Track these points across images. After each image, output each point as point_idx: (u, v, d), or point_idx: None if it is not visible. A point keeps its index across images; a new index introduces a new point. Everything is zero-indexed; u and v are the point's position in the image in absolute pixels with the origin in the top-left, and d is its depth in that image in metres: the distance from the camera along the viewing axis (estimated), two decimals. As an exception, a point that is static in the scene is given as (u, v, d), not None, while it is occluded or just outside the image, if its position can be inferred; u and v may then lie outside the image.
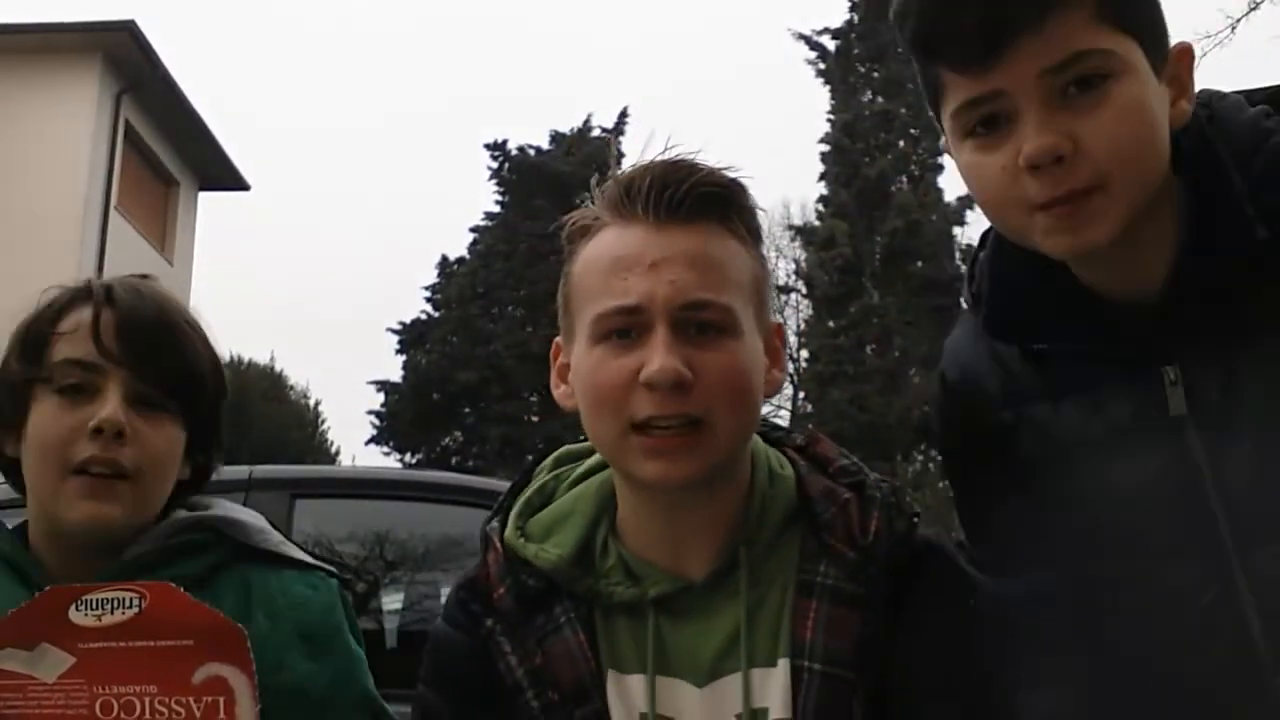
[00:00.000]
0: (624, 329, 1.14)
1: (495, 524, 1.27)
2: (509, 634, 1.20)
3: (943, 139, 1.18)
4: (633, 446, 1.13)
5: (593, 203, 1.21)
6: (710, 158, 1.20)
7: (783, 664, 1.14)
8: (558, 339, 1.25)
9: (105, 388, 1.28)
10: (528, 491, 1.29)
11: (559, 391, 1.24)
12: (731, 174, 1.20)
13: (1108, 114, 1.07)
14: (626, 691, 1.17)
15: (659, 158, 1.19)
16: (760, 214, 1.23)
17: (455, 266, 25.50)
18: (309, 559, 1.37)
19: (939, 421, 1.34)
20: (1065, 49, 1.06)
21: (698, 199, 1.16)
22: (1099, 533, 1.16)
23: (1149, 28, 1.11)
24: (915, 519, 1.21)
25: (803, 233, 25.69)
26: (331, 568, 1.39)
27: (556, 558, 1.20)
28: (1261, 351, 1.09)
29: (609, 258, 1.16)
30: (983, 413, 1.24)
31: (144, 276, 1.39)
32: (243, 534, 1.33)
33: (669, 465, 1.12)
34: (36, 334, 1.32)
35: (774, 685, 1.14)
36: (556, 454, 1.33)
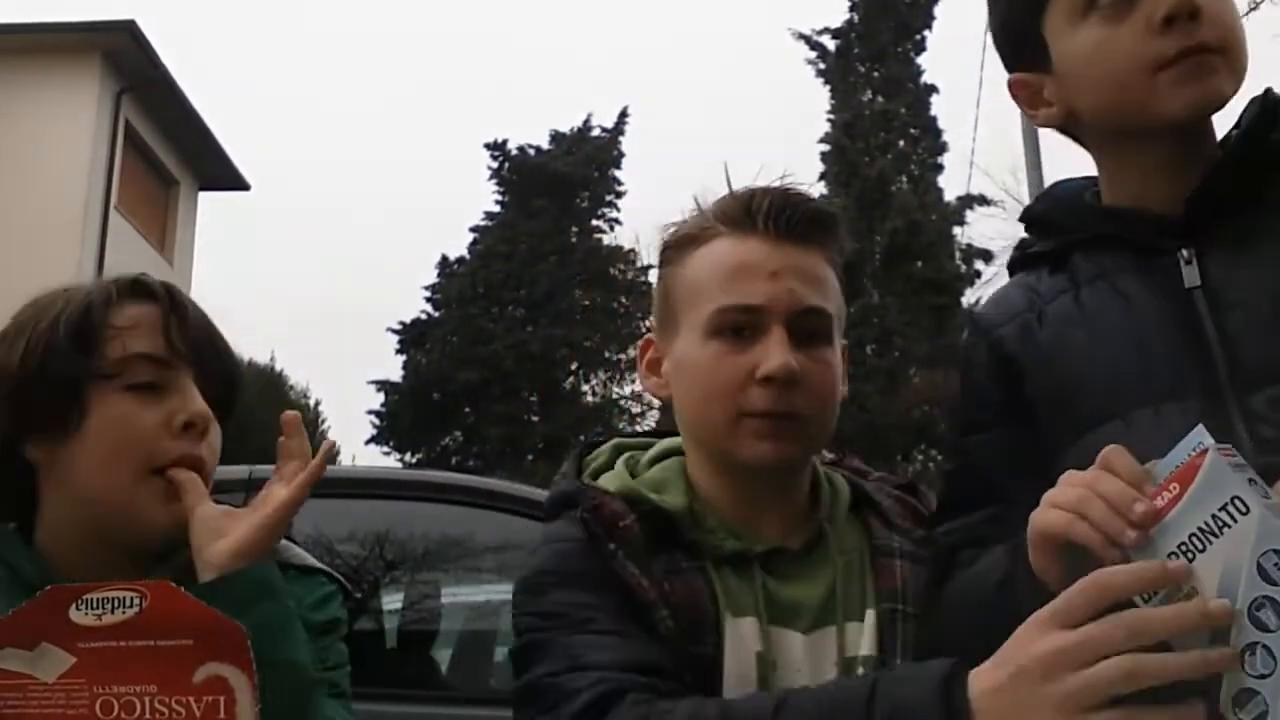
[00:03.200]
0: (740, 326, 1.28)
1: (577, 483, 1.35)
2: (636, 560, 1.25)
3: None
4: (745, 429, 1.27)
5: (701, 214, 1.36)
6: (813, 191, 1.39)
7: (869, 615, 1.28)
8: (649, 335, 1.42)
9: (180, 384, 1.26)
10: (595, 463, 1.40)
11: (650, 383, 1.40)
12: (831, 209, 1.37)
13: None
14: (741, 633, 1.25)
15: (771, 183, 1.34)
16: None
17: (455, 266, 25.50)
18: (313, 563, 1.37)
19: (964, 364, 1.40)
20: None
21: (811, 222, 1.31)
22: (1108, 384, 1.22)
23: None
24: None
25: (803, 233, 25.68)
26: (333, 572, 1.38)
27: (677, 505, 1.31)
28: (1273, 229, 1.20)
29: (732, 262, 1.30)
30: (1015, 331, 1.31)
31: (141, 274, 1.35)
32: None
33: (774, 446, 1.27)
34: (87, 329, 1.25)
35: (865, 637, 1.27)
36: (614, 442, 1.45)
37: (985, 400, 1.33)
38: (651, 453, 1.41)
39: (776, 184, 1.35)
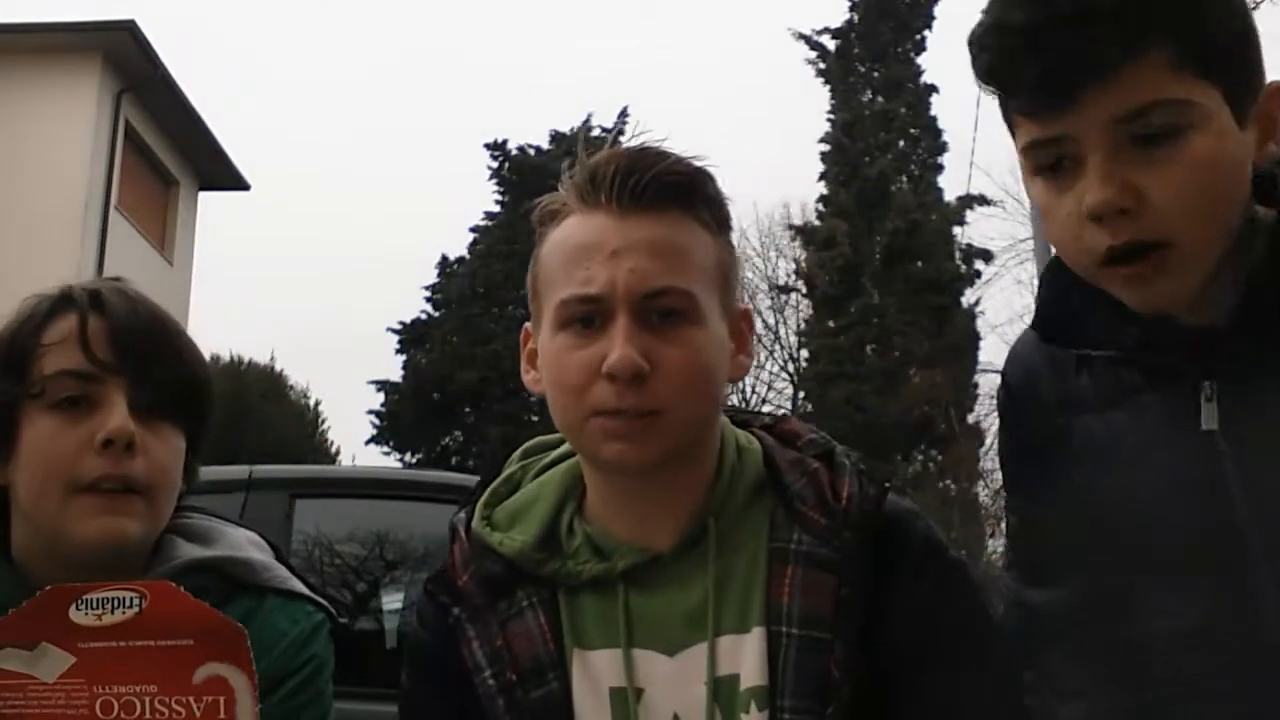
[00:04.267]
0: (586, 316, 1.15)
1: (462, 515, 1.28)
2: (473, 620, 1.21)
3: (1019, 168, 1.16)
4: (593, 429, 1.15)
5: (561, 188, 1.22)
6: (677, 145, 1.21)
7: (757, 631, 1.15)
8: (527, 325, 1.26)
9: (106, 398, 1.21)
10: (495, 482, 1.30)
11: (528, 377, 1.26)
12: (699, 162, 1.20)
13: (1179, 169, 1.02)
14: (592, 667, 1.17)
15: (627, 145, 1.20)
16: (728, 202, 1.23)
17: (455, 266, 25.49)
18: (298, 588, 1.31)
19: (1001, 423, 1.35)
20: (1137, 99, 1.01)
21: (661, 186, 1.16)
22: (1126, 543, 1.15)
23: (1237, 74, 1.05)
24: (886, 485, 1.21)
25: (803, 232, 25.70)
26: (323, 602, 1.32)
27: (520, 544, 1.22)
28: None
29: (572, 245, 1.17)
30: (1039, 416, 1.24)
31: (116, 279, 1.32)
32: (250, 574, 1.28)
33: (627, 447, 1.14)
34: (20, 348, 1.22)
35: (747, 652, 1.14)
36: (526, 445, 1.34)
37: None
38: (555, 453, 1.31)
39: (635, 144, 1.20)
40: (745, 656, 1.14)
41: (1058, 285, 1.19)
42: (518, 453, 1.33)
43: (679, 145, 1.20)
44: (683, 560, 1.18)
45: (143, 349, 1.23)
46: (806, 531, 1.17)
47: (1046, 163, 1.07)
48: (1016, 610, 1.29)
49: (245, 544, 1.32)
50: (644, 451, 1.14)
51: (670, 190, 1.17)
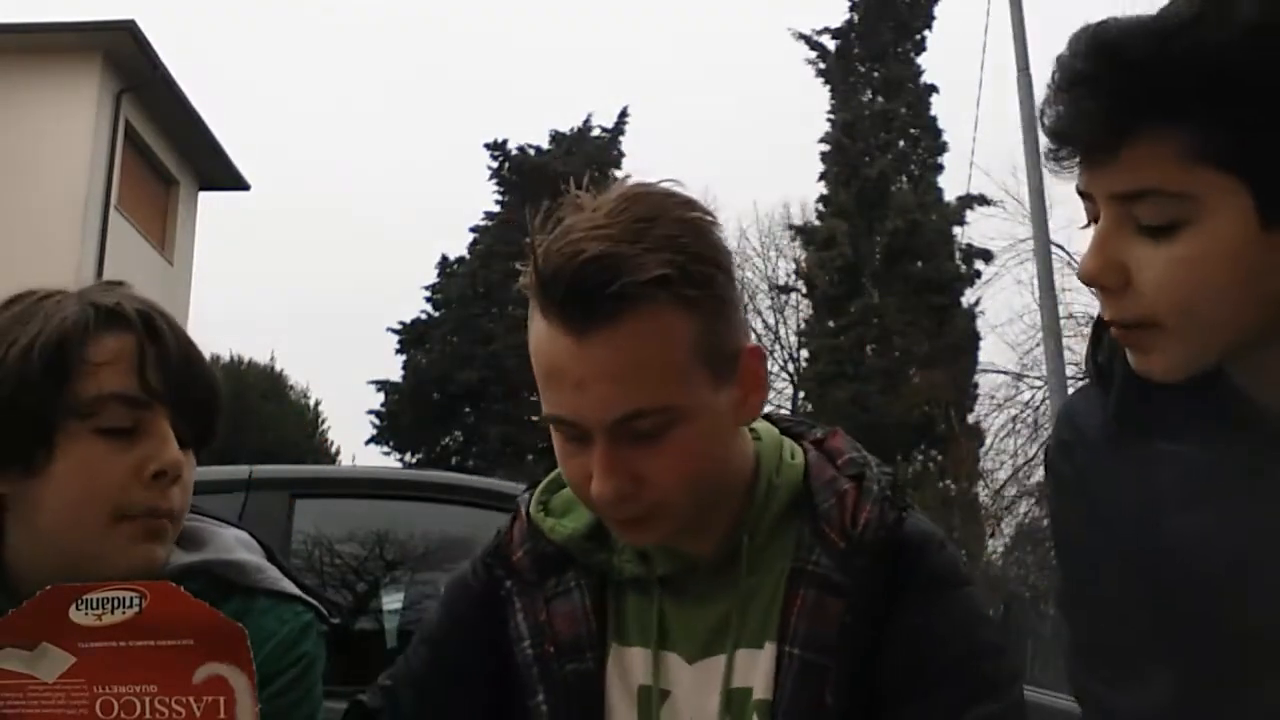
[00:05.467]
0: (569, 433, 1.14)
1: (526, 495, 1.33)
2: (522, 593, 1.26)
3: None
4: (600, 514, 1.19)
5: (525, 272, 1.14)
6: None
7: (769, 647, 1.16)
8: None
9: (154, 426, 1.19)
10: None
11: None
12: (679, 230, 1.10)
13: (1167, 260, 0.96)
14: (626, 663, 1.21)
15: (566, 237, 1.09)
16: (712, 235, 1.14)
17: (455, 266, 25.50)
18: (289, 589, 1.29)
19: (1057, 505, 1.20)
20: (1134, 182, 0.96)
21: (615, 300, 1.06)
22: (1223, 654, 1.03)
23: (1273, 162, 0.93)
24: (904, 511, 1.20)
25: (803, 233, 25.67)
26: (313, 601, 1.30)
27: (570, 531, 1.25)
28: None
29: (542, 362, 1.12)
30: (1111, 508, 1.11)
31: (119, 283, 1.29)
32: (240, 576, 1.27)
33: (634, 535, 1.18)
34: (64, 357, 1.17)
35: (759, 667, 1.17)
36: None
37: None
38: None
39: (568, 244, 1.08)
40: (757, 671, 1.16)
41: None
42: None
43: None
44: (717, 573, 1.21)
45: (186, 378, 1.23)
46: (826, 553, 1.17)
47: (1090, 214, 1.03)
48: None
49: (235, 545, 1.31)
50: (651, 537, 1.18)
51: (626, 300, 1.06)
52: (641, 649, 1.21)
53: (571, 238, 1.09)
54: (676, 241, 1.10)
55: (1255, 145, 0.92)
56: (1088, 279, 1.00)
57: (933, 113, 25.62)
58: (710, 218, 1.15)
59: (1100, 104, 0.95)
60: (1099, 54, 0.96)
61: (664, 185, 1.16)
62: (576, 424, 1.12)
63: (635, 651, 1.21)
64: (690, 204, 1.14)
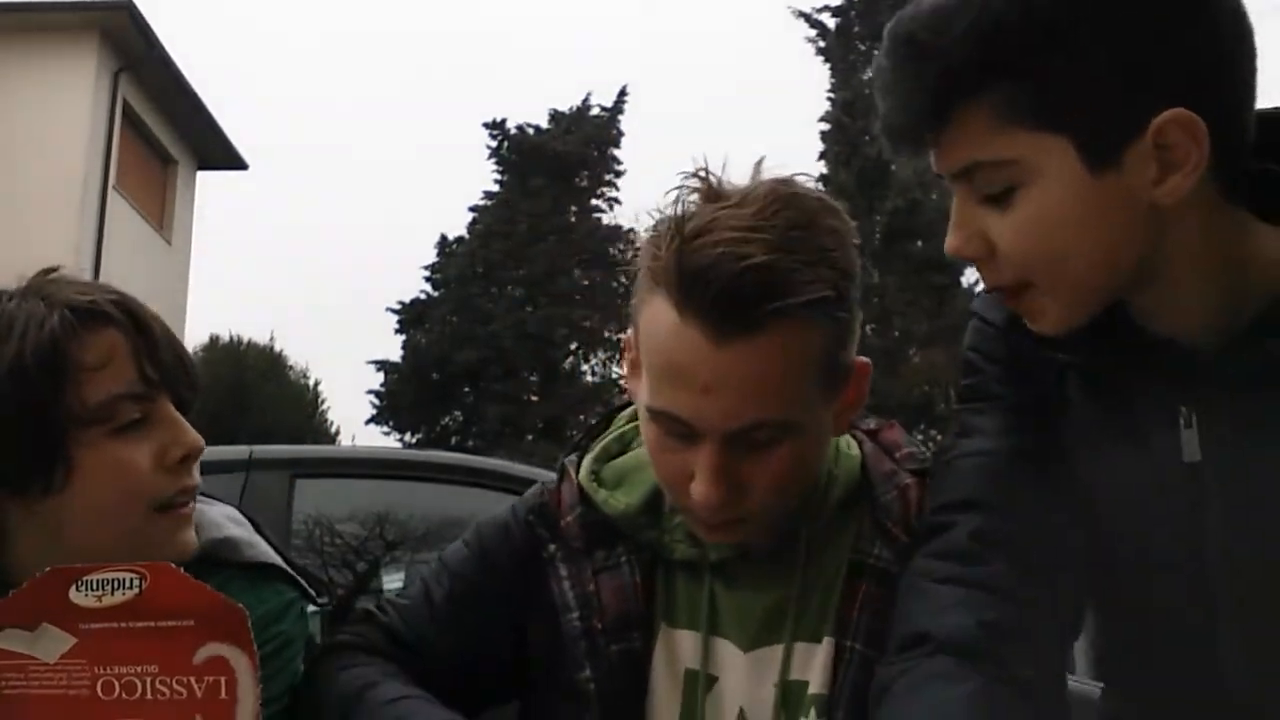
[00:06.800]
0: (676, 430, 1.11)
1: (573, 457, 1.30)
2: (568, 560, 1.24)
3: None
4: (686, 512, 1.17)
5: (656, 253, 1.10)
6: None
7: (827, 642, 1.16)
8: (628, 335, 1.19)
9: (160, 413, 1.20)
10: (607, 438, 1.30)
11: (629, 385, 1.22)
12: (832, 244, 1.11)
13: (1012, 223, 0.99)
14: (674, 645, 1.19)
15: (731, 234, 1.04)
16: (847, 245, 1.16)
17: (455, 246, 25.44)
18: (272, 559, 1.29)
19: (989, 361, 1.21)
20: (960, 159, 1.00)
21: (766, 312, 1.04)
22: (1111, 573, 1.12)
23: (1095, 114, 0.95)
24: None
25: (802, 212, 25.64)
26: (300, 580, 1.31)
27: (625, 505, 1.23)
28: None
29: (664, 355, 1.09)
30: (1039, 376, 1.14)
31: (56, 269, 1.26)
32: (232, 551, 1.27)
33: (720, 537, 1.17)
34: (56, 374, 1.15)
35: (816, 661, 1.16)
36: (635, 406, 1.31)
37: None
38: None
39: (722, 242, 1.03)
40: (814, 666, 1.16)
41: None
42: (630, 410, 1.31)
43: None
44: (774, 561, 1.19)
45: (173, 360, 1.24)
46: (887, 546, 1.17)
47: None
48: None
49: (225, 522, 1.31)
50: (734, 538, 1.17)
51: (780, 315, 1.05)
52: (691, 632, 1.19)
53: (724, 235, 1.04)
54: (829, 256, 1.10)
55: (1055, 97, 0.95)
56: (952, 254, 1.04)
57: (933, 91, 25.54)
58: (850, 225, 1.17)
59: (909, 96, 0.99)
60: (895, 49, 0.99)
61: (805, 184, 1.15)
62: (691, 425, 1.09)
63: (685, 634, 1.19)
64: (835, 212, 1.14)
